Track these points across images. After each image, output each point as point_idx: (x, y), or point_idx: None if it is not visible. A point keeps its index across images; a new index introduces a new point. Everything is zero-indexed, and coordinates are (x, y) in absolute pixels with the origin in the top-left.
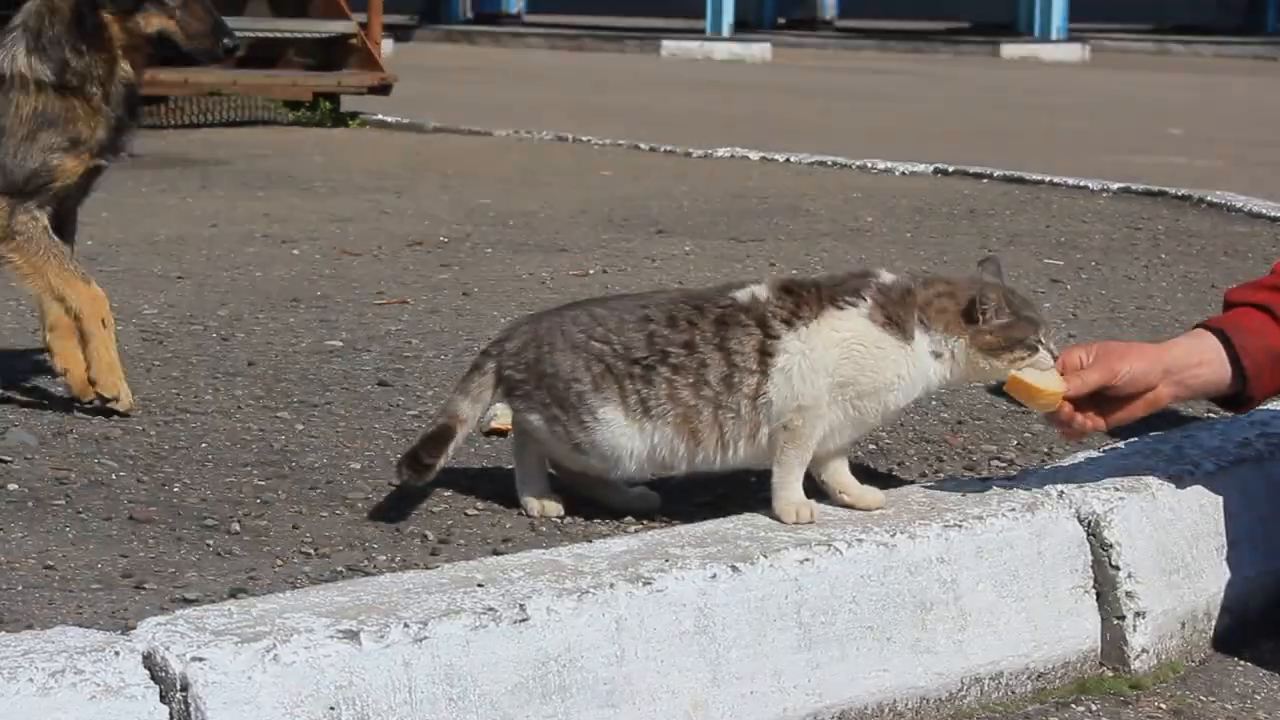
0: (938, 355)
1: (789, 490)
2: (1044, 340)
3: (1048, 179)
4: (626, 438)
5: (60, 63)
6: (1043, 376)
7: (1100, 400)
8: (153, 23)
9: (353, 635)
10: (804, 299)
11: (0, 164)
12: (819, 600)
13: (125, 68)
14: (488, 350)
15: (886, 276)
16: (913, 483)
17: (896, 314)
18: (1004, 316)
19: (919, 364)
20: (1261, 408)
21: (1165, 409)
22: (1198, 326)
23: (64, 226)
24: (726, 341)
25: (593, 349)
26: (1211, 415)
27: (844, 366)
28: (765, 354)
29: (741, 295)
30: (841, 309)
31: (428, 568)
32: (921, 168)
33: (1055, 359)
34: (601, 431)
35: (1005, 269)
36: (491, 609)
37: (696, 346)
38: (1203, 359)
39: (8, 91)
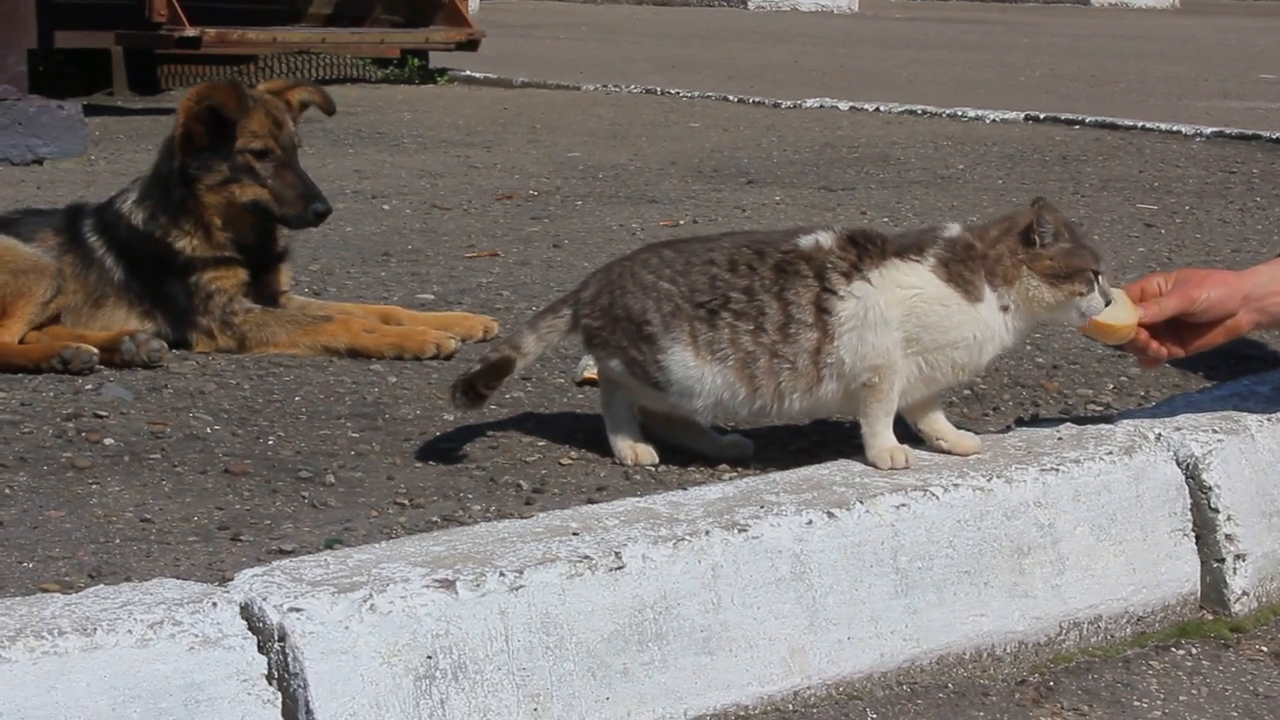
0: (1005, 309)
1: (880, 438)
2: (1102, 276)
3: (1140, 124)
4: (696, 379)
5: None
6: (1112, 311)
7: (1179, 328)
8: (247, 193)
9: (449, 584)
10: (868, 252)
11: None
12: (916, 545)
13: (222, 235)
14: (565, 298)
15: (951, 230)
16: (1009, 427)
17: (961, 272)
18: (1064, 241)
19: (988, 324)
20: None
21: (1256, 342)
22: None
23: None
24: (784, 292)
25: (661, 289)
26: None
27: (908, 322)
28: (823, 310)
29: (805, 241)
30: (905, 263)
31: (522, 517)
32: (1012, 115)
33: (1108, 301)
34: (675, 370)
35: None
36: (587, 557)
37: (756, 293)
38: None
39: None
